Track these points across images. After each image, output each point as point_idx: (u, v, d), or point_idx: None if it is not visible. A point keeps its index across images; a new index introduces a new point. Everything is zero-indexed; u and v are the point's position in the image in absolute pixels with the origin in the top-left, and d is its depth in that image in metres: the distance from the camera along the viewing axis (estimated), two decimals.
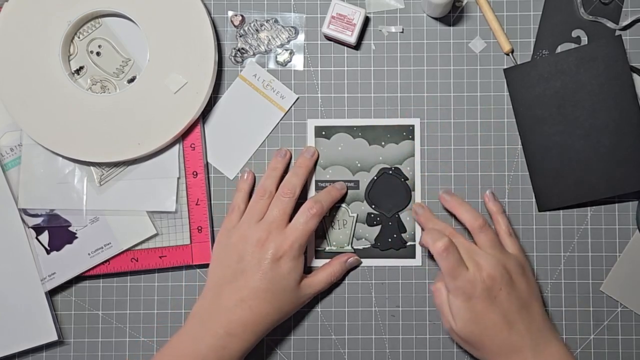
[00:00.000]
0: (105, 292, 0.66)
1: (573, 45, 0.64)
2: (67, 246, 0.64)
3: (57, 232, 0.64)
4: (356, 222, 0.65)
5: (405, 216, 0.65)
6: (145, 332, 0.65)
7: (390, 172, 0.65)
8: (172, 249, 0.64)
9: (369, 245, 0.65)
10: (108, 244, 0.64)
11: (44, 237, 0.64)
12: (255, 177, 0.65)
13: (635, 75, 0.64)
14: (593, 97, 0.63)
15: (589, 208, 0.65)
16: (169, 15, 0.63)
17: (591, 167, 0.63)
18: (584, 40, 0.65)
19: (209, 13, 0.65)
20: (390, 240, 0.65)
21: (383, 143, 0.65)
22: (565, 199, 0.64)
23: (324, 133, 0.65)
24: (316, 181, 0.65)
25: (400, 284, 0.65)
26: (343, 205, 0.65)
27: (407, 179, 0.65)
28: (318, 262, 0.64)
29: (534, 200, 0.65)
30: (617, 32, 0.64)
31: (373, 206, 0.65)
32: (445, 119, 0.65)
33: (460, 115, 0.65)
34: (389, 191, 0.65)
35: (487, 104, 0.65)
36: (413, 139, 0.65)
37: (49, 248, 0.64)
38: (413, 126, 0.65)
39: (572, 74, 0.63)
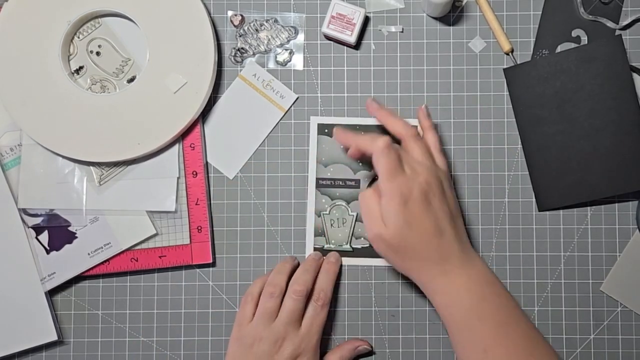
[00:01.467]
0: (105, 292, 0.66)
1: (573, 45, 0.64)
2: (67, 246, 0.64)
3: (56, 232, 0.64)
4: (355, 221, 0.65)
5: None
6: (145, 332, 0.65)
7: None
8: (171, 249, 0.64)
9: (368, 245, 0.65)
10: (108, 244, 0.64)
11: (44, 237, 0.64)
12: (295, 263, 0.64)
13: (635, 75, 0.64)
14: (593, 97, 0.63)
15: (589, 208, 0.65)
16: (168, 15, 0.63)
17: (591, 167, 0.63)
18: (584, 40, 0.65)
19: (209, 13, 0.65)
20: None
21: None
22: (565, 199, 0.64)
23: (326, 131, 0.65)
24: (317, 179, 0.64)
25: (400, 284, 0.65)
26: (343, 204, 0.64)
27: None
28: None
29: (534, 200, 0.65)
30: (617, 32, 0.64)
31: None
32: (445, 118, 0.65)
33: (460, 115, 0.65)
34: None
35: (487, 103, 0.65)
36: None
37: (48, 248, 0.64)
38: (415, 127, 0.64)
39: (572, 74, 0.63)
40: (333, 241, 0.65)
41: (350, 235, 0.65)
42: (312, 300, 0.61)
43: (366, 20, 0.65)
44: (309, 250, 0.65)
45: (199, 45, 0.63)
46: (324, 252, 0.65)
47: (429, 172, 0.56)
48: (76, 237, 0.64)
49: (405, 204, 0.54)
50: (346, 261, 0.65)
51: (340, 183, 0.65)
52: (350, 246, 0.65)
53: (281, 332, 0.59)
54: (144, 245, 0.64)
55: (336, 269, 0.63)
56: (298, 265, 0.64)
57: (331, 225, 0.65)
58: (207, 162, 0.65)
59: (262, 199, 0.65)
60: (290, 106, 0.65)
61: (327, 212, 0.64)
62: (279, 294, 0.60)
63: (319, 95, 0.65)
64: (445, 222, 0.56)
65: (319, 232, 0.65)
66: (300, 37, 0.66)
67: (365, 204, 0.57)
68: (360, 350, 0.63)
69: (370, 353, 0.64)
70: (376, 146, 0.55)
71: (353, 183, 0.65)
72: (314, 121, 0.65)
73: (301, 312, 0.60)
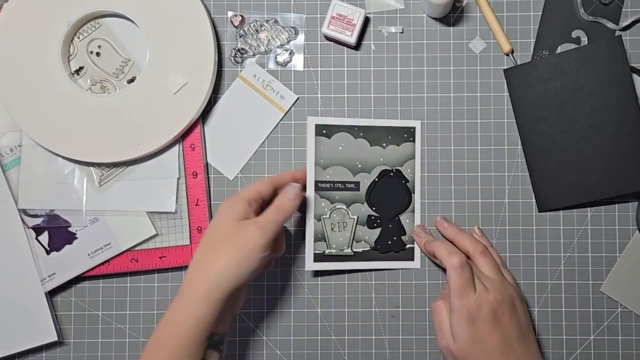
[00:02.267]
0: (105, 292, 0.65)
1: (573, 46, 0.64)
2: (67, 246, 0.64)
3: (57, 232, 0.64)
4: (356, 224, 0.64)
5: (405, 218, 0.64)
6: (145, 332, 0.65)
7: (392, 174, 0.64)
8: (172, 250, 0.64)
9: (369, 248, 0.64)
10: (108, 245, 0.64)
11: (44, 237, 0.64)
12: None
13: (635, 76, 0.64)
14: (593, 97, 0.63)
15: (589, 208, 0.65)
16: (168, 16, 0.63)
17: (591, 168, 0.63)
18: (584, 40, 0.65)
19: (209, 13, 0.65)
20: (390, 242, 0.64)
21: (384, 144, 0.64)
22: (565, 200, 0.64)
23: (324, 132, 0.64)
24: (316, 181, 0.64)
25: (400, 285, 0.65)
26: (343, 207, 0.64)
27: (408, 181, 0.65)
28: (317, 266, 0.64)
29: (534, 200, 0.65)
30: (617, 33, 0.64)
31: (374, 208, 0.64)
32: (445, 119, 0.65)
33: (460, 116, 0.65)
34: (390, 193, 0.64)
35: (487, 104, 0.65)
36: (414, 141, 0.65)
37: (48, 248, 0.64)
38: (414, 128, 0.65)
39: (572, 75, 0.63)
40: (334, 245, 0.64)
41: (352, 239, 0.64)
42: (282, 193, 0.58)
43: (366, 21, 0.65)
44: (310, 256, 0.63)
45: (199, 46, 0.63)
46: (325, 257, 0.64)
47: (499, 289, 0.57)
48: (76, 238, 0.64)
49: (473, 321, 0.55)
50: (348, 265, 0.64)
51: (340, 186, 0.64)
52: (352, 250, 0.64)
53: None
54: (144, 246, 0.64)
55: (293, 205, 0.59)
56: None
57: (332, 229, 0.64)
58: (207, 163, 0.65)
59: None
60: (291, 107, 0.65)
61: (327, 216, 0.64)
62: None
63: (319, 95, 0.65)
64: (514, 340, 0.56)
65: (319, 237, 0.64)
66: (301, 38, 0.66)
67: (436, 316, 0.58)
68: (296, 192, 0.59)
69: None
70: (450, 263, 0.57)
71: (353, 186, 0.64)
72: (312, 122, 0.64)
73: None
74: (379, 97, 0.65)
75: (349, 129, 0.64)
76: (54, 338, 0.64)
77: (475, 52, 0.65)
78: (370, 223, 0.64)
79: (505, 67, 0.65)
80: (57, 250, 0.64)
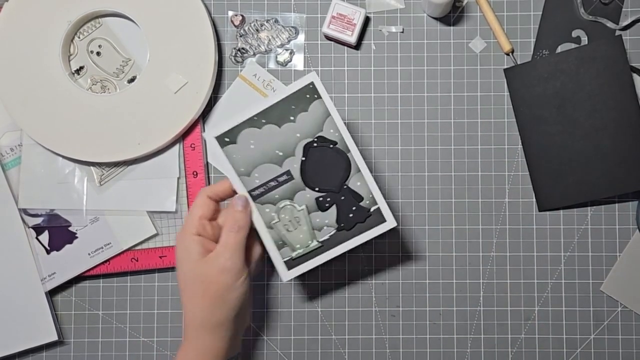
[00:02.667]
0: (105, 292, 0.65)
1: (573, 45, 0.65)
2: (67, 246, 0.64)
3: (57, 232, 0.64)
4: (308, 213, 0.57)
5: (355, 182, 0.57)
6: (145, 332, 0.65)
7: (315, 144, 0.57)
8: (172, 249, 0.64)
9: (334, 231, 0.57)
10: (108, 244, 0.64)
11: (44, 237, 0.64)
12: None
13: (635, 75, 0.64)
14: (593, 97, 0.63)
15: (589, 208, 0.65)
16: (169, 15, 0.63)
17: (591, 167, 0.63)
18: (584, 40, 0.65)
19: (209, 13, 0.65)
20: (351, 215, 0.57)
21: (292, 117, 0.56)
22: (565, 199, 0.64)
23: (227, 139, 0.56)
24: (249, 192, 0.57)
25: (401, 284, 0.65)
26: (287, 203, 0.57)
27: (336, 142, 0.57)
28: (292, 273, 0.57)
29: (534, 200, 0.65)
30: (617, 32, 0.64)
31: (316, 189, 0.57)
32: (446, 118, 0.65)
33: (461, 115, 0.65)
34: (325, 165, 0.57)
35: (488, 104, 0.65)
36: (319, 96, 0.56)
37: (49, 248, 0.64)
38: (312, 83, 0.56)
39: (572, 74, 0.63)
40: (298, 245, 0.57)
41: (311, 230, 0.57)
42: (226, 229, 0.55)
43: (366, 21, 0.65)
44: (281, 266, 0.57)
45: (200, 46, 0.63)
46: (295, 261, 0.58)
47: None
48: (76, 237, 0.64)
49: None
50: (323, 258, 0.58)
51: (273, 183, 0.57)
52: (317, 241, 0.57)
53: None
54: (144, 246, 0.64)
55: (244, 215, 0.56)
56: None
57: (287, 230, 0.57)
58: (207, 162, 0.65)
59: None
60: None
61: (277, 220, 0.57)
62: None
63: None
64: None
65: (280, 244, 0.57)
66: (301, 37, 0.66)
67: None
68: (241, 203, 0.56)
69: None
70: None
71: (285, 177, 0.57)
72: (210, 136, 0.56)
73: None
74: (379, 96, 0.65)
75: (250, 123, 0.56)
76: (54, 337, 0.64)
77: (476, 52, 0.65)
78: (322, 205, 0.57)
79: (505, 67, 0.65)
80: (58, 249, 0.64)
